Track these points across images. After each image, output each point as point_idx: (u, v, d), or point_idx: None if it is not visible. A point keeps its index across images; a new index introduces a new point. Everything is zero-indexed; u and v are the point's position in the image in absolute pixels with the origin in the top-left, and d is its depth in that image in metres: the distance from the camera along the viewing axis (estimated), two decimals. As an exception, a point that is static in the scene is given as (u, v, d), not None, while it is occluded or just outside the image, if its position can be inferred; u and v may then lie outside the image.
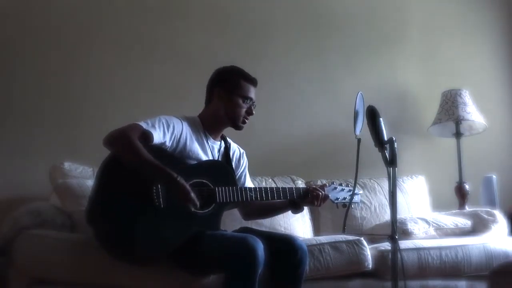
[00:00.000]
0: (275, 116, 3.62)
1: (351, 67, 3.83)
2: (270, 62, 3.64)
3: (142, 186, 2.14)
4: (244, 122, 2.44)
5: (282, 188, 2.42)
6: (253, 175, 3.06)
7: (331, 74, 3.80)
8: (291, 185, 3.20)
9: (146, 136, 2.18)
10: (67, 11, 3.33)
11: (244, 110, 2.42)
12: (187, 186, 2.12)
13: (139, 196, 2.14)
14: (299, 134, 3.67)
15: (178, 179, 2.11)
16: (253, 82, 2.46)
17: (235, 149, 2.59)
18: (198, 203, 2.15)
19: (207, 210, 2.23)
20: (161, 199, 2.14)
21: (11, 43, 3.21)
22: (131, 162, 2.13)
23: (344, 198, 2.54)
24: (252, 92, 2.44)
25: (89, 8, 3.37)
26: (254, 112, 2.45)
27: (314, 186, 2.48)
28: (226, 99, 2.41)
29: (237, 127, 2.45)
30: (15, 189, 3.00)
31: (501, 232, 3.02)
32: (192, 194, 2.12)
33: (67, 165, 2.83)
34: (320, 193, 2.42)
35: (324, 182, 3.27)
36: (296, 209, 2.50)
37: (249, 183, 2.61)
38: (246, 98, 2.41)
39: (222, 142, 2.52)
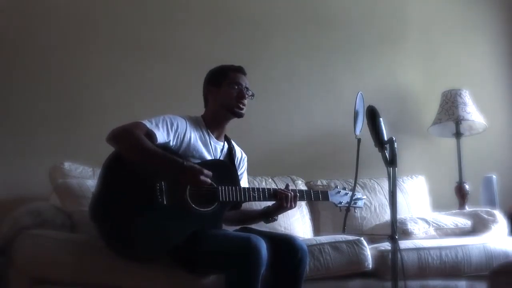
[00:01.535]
0: (275, 116, 3.62)
1: (351, 67, 3.83)
2: (270, 62, 3.65)
3: (145, 183, 2.14)
4: (240, 108, 2.43)
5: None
6: (253, 175, 3.07)
7: (331, 74, 3.80)
8: (292, 185, 3.20)
9: (150, 136, 2.19)
10: (67, 12, 3.32)
11: (234, 95, 2.42)
12: (196, 166, 2.14)
13: (142, 194, 2.14)
14: (299, 134, 3.67)
15: (185, 163, 2.12)
16: (239, 69, 2.47)
17: (238, 152, 2.60)
18: (211, 175, 2.16)
19: (209, 209, 2.24)
20: (164, 196, 2.14)
21: (11, 43, 3.20)
22: (135, 156, 2.14)
23: (347, 203, 2.54)
24: (240, 78, 2.45)
25: (89, 8, 3.37)
26: (246, 96, 2.44)
27: (280, 189, 2.43)
28: (216, 92, 2.44)
29: (235, 114, 2.43)
30: (15, 189, 3.00)
31: (501, 232, 3.03)
32: (205, 171, 2.13)
33: (67, 165, 2.83)
34: (289, 194, 2.39)
35: (324, 182, 3.29)
36: (267, 218, 2.48)
37: None
38: (232, 83, 2.42)
39: (226, 144, 2.52)
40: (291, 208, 2.43)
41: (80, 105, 3.26)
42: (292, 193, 2.40)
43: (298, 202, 3.10)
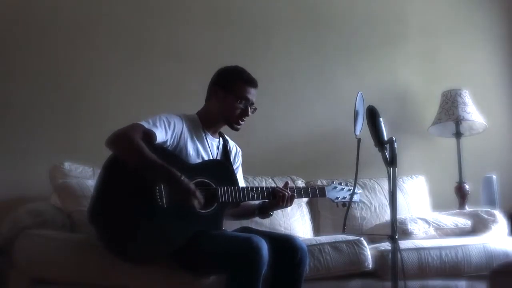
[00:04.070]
0: (275, 116, 3.62)
1: (351, 67, 3.83)
2: (271, 62, 3.65)
3: (144, 186, 2.14)
4: (239, 124, 2.41)
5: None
6: (253, 175, 3.08)
7: (331, 74, 3.80)
8: (291, 185, 3.19)
9: (149, 136, 2.18)
10: (68, 12, 3.32)
11: (238, 111, 2.39)
12: (192, 185, 2.12)
13: (142, 196, 2.14)
14: (299, 134, 3.67)
15: (182, 178, 2.11)
16: (252, 83, 2.42)
17: (233, 147, 2.60)
18: (202, 202, 2.15)
19: (209, 210, 2.23)
20: (164, 199, 2.14)
21: (12, 43, 3.21)
22: (133, 163, 2.12)
23: (344, 198, 2.55)
24: (250, 93, 2.40)
25: (90, 8, 3.37)
26: (250, 113, 2.41)
27: (278, 188, 2.41)
28: (222, 99, 2.40)
29: (232, 128, 2.43)
30: (15, 189, 3.00)
31: (501, 232, 3.03)
32: (198, 193, 2.12)
33: (67, 165, 2.83)
34: (286, 193, 2.37)
35: (324, 182, 3.29)
36: (263, 214, 2.47)
37: (241, 183, 2.59)
38: (241, 98, 2.38)
39: (221, 139, 2.52)
40: (287, 206, 2.42)
41: (80, 105, 3.26)
42: (290, 192, 2.39)
43: (297, 201, 3.13)
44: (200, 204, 2.14)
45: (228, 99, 2.39)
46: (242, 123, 2.42)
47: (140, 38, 3.42)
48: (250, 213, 2.53)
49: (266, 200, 2.44)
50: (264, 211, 2.47)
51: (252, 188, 2.36)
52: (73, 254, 2.26)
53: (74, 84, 3.27)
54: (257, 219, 2.59)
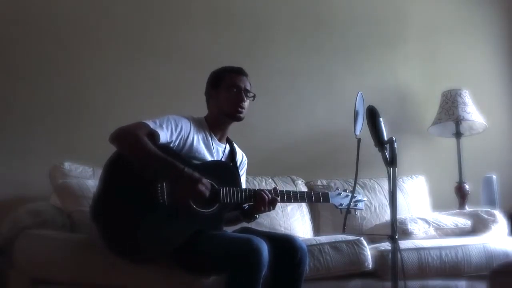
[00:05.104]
0: (275, 116, 3.62)
1: (351, 67, 3.83)
2: (271, 62, 3.65)
3: (146, 184, 2.14)
4: (238, 112, 2.40)
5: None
6: (253, 175, 3.08)
7: (331, 74, 3.80)
8: (292, 185, 3.20)
9: (153, 136, 2.18)
10: (68, 11, 3.32)
11: (232, 99, 2.39)
12: (196, 174, 2.12)
13: (144, 194, 2.14)
14: (299, 134, 3.67)
15: (186, 169, 2.11)
16: (238, 71, 2.45)
17: (239, 154, 2.59)
18: (210, 187, 2.15)
19: (210, 210, 2.23)
20: (165, 197, 2.14)
21: (12, 43, 3.20)
22: (136, 158, 2.13)
23: (348, 205, 2.54)
24: (238, 80, 2.42)
25: (90, 9, 3.37)
26: (246, 99, 2.41)
27: (260, 190, 2.36)
28: (216, 96, 2.43)
29: (235, 118, 2.42)
30: (15, 189, 3.00)
31: (501, 232, 3.03)
32: (203, 179, 2.13)
33: (67, 165, 2.83)
34: (266, 197, 2.33)
35: (324, 182, 3.29)
36: (248, 218, 2.44)
37: None
38: (231, 86, 2.40)
39: (227, 145, 2.51)
40: (269, 210, 2.37)
41: (80, 105, 3.26)
42: (270, 195, 2.34)
43: (298, 203, 3.13)
44: (208, 190, 2.14)
45: (221, 93, 2.41)
46: (242, 110, 2.41)
47: (140, 38, 3.42)
48: (235, 218, 2.48)
49: (250, 204, 2.40)
50: (248, 215, 2.43)
51: (255, 190, 2.35)
52: (73, 254, 2.26)
53: (74, 84, 3.27)
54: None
